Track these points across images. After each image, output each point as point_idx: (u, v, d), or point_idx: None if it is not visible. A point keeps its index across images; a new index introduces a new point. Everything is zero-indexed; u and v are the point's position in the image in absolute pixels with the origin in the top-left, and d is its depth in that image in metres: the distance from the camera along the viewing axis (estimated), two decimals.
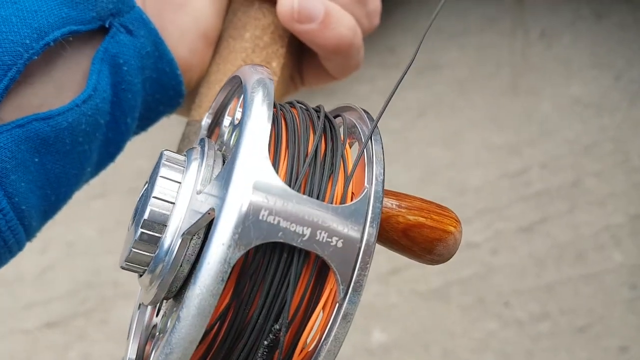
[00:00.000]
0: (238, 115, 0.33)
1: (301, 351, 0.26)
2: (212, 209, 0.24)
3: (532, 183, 1.05)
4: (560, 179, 1.04)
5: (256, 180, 0.23)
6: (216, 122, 0.36)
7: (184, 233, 0.25)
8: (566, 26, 1.20)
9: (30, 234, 0.33)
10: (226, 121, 0.36)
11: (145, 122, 0.39)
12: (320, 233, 0.24)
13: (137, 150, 1.27)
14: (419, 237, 0.29)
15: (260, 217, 0.23)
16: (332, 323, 0.25)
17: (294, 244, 0.24)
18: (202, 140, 0.31)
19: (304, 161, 0.26)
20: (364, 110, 0.32)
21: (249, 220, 0.23)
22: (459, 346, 0.97)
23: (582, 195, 1.01)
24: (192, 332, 0.23)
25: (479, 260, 1.01)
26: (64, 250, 1.30)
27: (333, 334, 0.25)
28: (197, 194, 0.26)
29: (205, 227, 0.26)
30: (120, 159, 0.38)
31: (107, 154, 0.37)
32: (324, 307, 0.26)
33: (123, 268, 0.28)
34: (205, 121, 0.35)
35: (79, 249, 1.28)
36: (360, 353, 1.04)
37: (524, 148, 1.09)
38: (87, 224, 1.32)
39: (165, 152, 0.29)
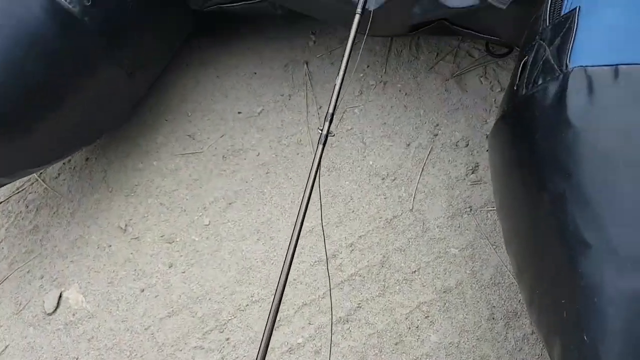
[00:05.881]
0: None
1: None
2: None
3: (343, 267, 1.03)
4: (368, 258, 1.03)
5: None
6: None
7: None
8: (355, 97, 1.22)
9: None
10: None
11: None
12: None
13: None
14: None
15: None
16: None
17: None
18: None
19: None
20: None
21: None
22: None
23: (391, 274, 1.01)
24: None
25: None
26: None
27: None
28: None
29: None
30: None
31: None
32: None
33: None
34: None
35: None
36: None
37: (333, 230, 1.08)
38: None
39: None
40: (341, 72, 0.79)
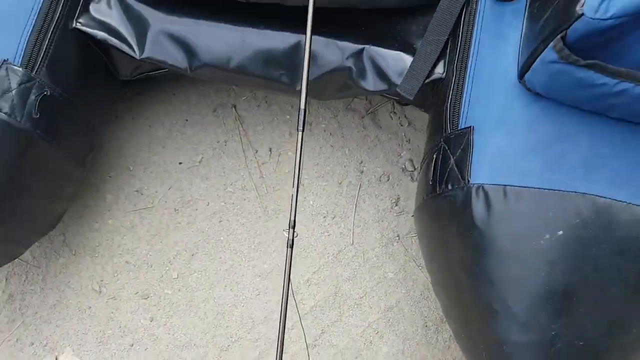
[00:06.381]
0: None
1: None
2: None
3: (305, 301, 1.25)
4: (324, 290, 1.26)
5: None
6: None
7: None
8: (286, 139, 1.38)
9: None
10: None
11: None
12: None
13: None
14: None
15: None
16: None
17: None
18: None
19: None
20: None
21: None
22: None
23: (344, 301, 1.25)
24: None
25: None
26: None
27: None
28: None
29: None
30: None
31: None
32: None
33: None
34: None
35: None
36: None
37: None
38: None
39: None
40: (295, 183, 0.95)
